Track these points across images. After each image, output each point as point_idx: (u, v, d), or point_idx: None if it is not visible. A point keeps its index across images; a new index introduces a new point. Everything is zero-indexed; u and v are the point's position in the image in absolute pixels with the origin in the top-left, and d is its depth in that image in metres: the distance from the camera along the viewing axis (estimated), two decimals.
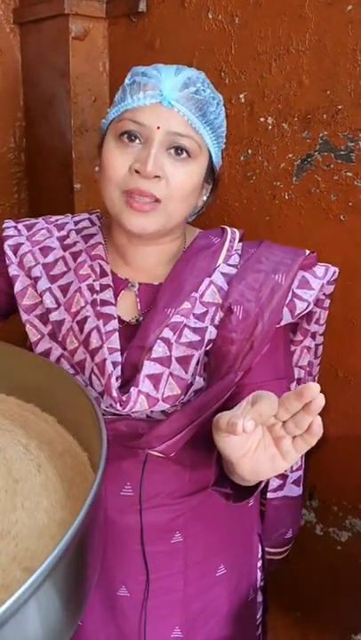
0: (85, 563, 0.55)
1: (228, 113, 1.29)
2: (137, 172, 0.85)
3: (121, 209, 0.88)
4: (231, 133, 1.29)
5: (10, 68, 1.67)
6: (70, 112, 1.55)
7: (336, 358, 1.22)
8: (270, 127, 1.24)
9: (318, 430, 0.69)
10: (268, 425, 0.73)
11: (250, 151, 1.28)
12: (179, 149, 0.87)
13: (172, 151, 0.87)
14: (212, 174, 0.96)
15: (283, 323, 0.92)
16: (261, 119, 1.25)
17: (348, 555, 1.31)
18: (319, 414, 0.69)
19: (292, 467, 1.11)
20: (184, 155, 0.88)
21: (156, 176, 0.85)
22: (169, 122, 0.86)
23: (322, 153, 1.16)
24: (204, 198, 0.97)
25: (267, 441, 0.74)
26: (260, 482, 0.84)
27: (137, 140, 0.88)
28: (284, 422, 0.72)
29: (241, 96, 1.27)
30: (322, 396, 0.68)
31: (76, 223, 1.05)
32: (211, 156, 0.93)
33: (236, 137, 1.29)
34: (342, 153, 1.13)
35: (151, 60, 1.43)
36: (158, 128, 0.86)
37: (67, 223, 1.05)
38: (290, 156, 1.22)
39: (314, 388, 0.67)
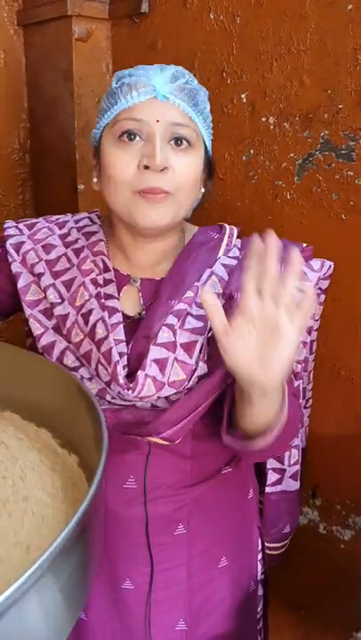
0: (87, 554, 0.56)
1: (229, 113, 1.30)
2: (146, 167, 0.87)
3: (134, 206, 0.89)
4: (233, 133, 1.30)
5: (14, 69, 1.68)
6: (74, 113, 1.56)
7: (338, 357, 1.23)
8: (272, 127, 1.24)
9: (310, 298, 0.72)
10: (261, 311, 0.74)
11: (252, 151, 1.29)
12: (179, 140, 0.89)
13: (173, 142, 0.89)
14: (208, 166, 0.98)
15: None
16: (263, 119, 1.25)
17: (352, 553, 1.31)
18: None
19: (289, 461, 1.12)
20: (185, 144, 0.90)
21: (165, 168, 0.87)
22: (166, 114, 0.88)
23: (323, 152, 1.17)
24: (203, 190, 0.99)
25: (263, 338, 0.75)
26: (272, 427, 0.84)
27: (137, 138, 0.89)
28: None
29: (243, 96, 1.28)
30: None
31: (77, 221, 1.07)
32: (206, 147, 0.96)
33: (237, 137, 1.30)
34: (343, 152, 1.13)
35: (154, 61, 1.43)
36: (158, 121, 0.88)
37: (67, 222, 1.06)
38: (291, 155, 1.22)
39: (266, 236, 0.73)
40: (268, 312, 0.74)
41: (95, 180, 0.97)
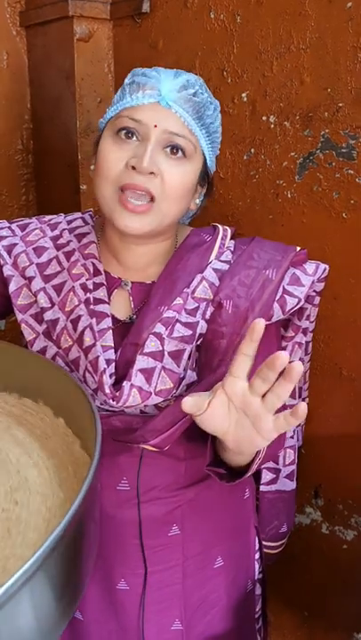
0: (80, 553, 0.56)
1: (230, 112, 1.30)
2: (133, 167, 0.87)
3: (114, 208, 0.89)
4: (234, 133, 1.30)
5: (17, 70, 1.69)
6: (76, 113, 1.56)
7: (339, 356, 1.22)
8: (272, 126, 1.24)
9: (302, 413, 0.69)
10: (246, 403, 0.73)
11: (252, 150, 1.29)
12: (174, 148, 0.89)
13: (168, 150, 0.89)
14: (205, 178, 0.97)
15: (274, 319, 0.94)
16: (263, 118, 1.25)
17: (355, 553, 1.31)
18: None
19: (284, 461, 1.12)
20: (179, 154, 0.89)
21: (152, 172, 0.87)
22: (166, 121, 0.88)
23: (323, 151, 1.16)
24: (198, 202, 0.98)
25: (244, 421, 0.75)
26: (251, 464, 0.85)
27: (134, 138, 0.89)
28: (264, 398, 0.72)
29: (243, 95, 1.28)
30: (299, 363, 0.69)
31: (69, 222, 1.06)
32: (205, 160, 0.95)
33: (238, 136, 1.30)
34: (344, 151, 1.13)
35: (155, 61, 1.44)
36: (155, 126, 0.88)
37: (59, 223, 1.06)
38: (292, 154, 1.22)
39: (283, 356, 0.68)
40: (253, 406, 0.73)
41: (92, 167, 0.97)
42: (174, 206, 0.91)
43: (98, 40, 1.55)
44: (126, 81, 0.93)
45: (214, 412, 0.75)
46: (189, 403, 0.74)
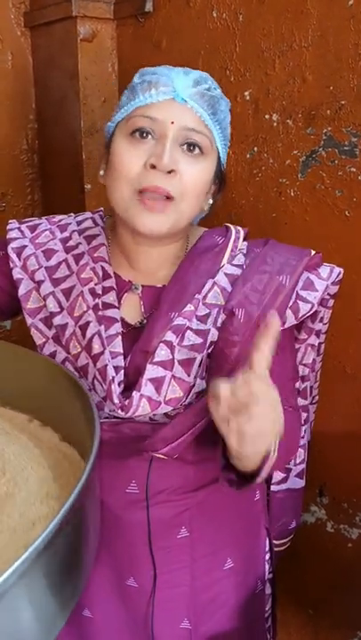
0: (78, 550, 0.56)
1: (233, 111, 1.29)
2: (152, 166, 0.85)
3: (133, 208, 0.87)
4: (237, 131, 1.30)
5: (21, 70, 1.70)
6: (80, 113, 1.57)
7: (344, 355, 1.22)
8: (275, 124, 1.24)
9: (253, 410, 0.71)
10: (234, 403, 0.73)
11: (255, 148, 1.29)
12: (192, 145, 0.87)
13: (185, 147, 0.87)
14: (219, 175, 0.95)
15: (286, 325, 0.92)
16: (266, 116, 1.25)
17: (360, 551, 1.31)
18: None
19: (295, 460, 1.11)
20: (197, 151, 0.88)
21: (172, 170, 0.85)
22: (183, 117, 0.86)
23: (326, 149, 1.16)
24: (210, 201, 0.97)
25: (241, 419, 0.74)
26: (259, 471, 0.84)
27: (149, 137, 0.87)
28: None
29: (246, 93, 1.28)
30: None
31: (79, 223, 1.04)
32: (219, 156, 0.93)
33: (241, 134, 1.30)
34: (346, 148, 1.13)
35: (159, 60, 1.44)
36: (172, 123, 0.86)
37: (69, 224, 1.04)
38: (295, 152, 1.22)
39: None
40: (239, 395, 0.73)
41: (102, 172, 0.95)
42: (192, 205, 0.89)
43: (101, 40, 1.55)
44: (135, 80, 0.91)
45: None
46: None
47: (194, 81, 0.88)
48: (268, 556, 1.13)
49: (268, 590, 1.15)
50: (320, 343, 1.06)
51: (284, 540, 1.19)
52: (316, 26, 1.13)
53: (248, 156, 1.30)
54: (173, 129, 0.86)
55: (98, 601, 1.02)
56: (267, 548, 1.13)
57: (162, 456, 0.89)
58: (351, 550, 1.33)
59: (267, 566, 1.13)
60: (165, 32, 1.43)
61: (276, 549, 1.17)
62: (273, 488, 1.11)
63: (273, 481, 1.10)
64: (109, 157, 0.92)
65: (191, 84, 0.88)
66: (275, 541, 1.16)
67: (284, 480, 1.12)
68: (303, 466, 1.15)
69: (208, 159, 0.90)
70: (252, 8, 1.23)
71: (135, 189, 0.86)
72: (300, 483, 1.15)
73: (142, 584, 1.00)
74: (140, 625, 1.02)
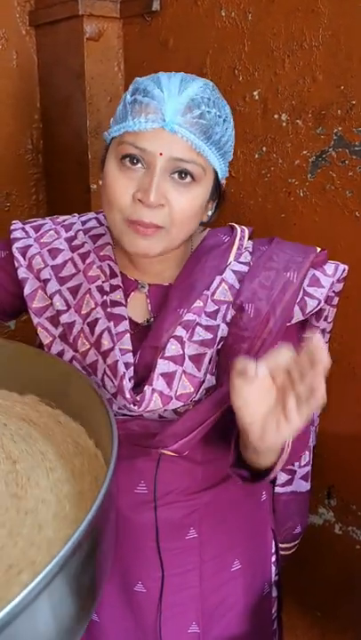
0: (98, 557, 0.55)
1: (242, 111, 1.30)
2: (140, 200, 0.83)
3: (126, 235, 0.87)
4: (245, 131, 1.29)
5: (26, 69, 1.69)
6: (86, 113, 1.56)
7: (353, 356, 1.22)
8: (284, 124, 1.23)
9: (320, 395, 0.68)
10: (278, 385, 0.73)
11: (264, 148, 1.28)
12: (182, 173, 0.84)
13: (176, 176, 0.84)
14: (217, 190, 0.93)
15: (294, 321, 0.92)
16: (275, 116, 1.24)
17: None
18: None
19: (300, 462, 1.11)
20: (188, 179, 0.85)
21: (160, 204, 0.84)
22: (172, 147, 0.83)
23: (336, 149, 1.15)
24: (210, 213, 0.95)
25: (276, 408, 0.73)
26: (273, 467, 0.84)
27: (139, 164, 0.85)
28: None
29: (255, 93, 1.27)
30: (329, 359, 0.68)
31: (84, 223, 1.04)
32: (216, 175, 0.90)
33: (250, 135, 1.29)
34: (357, 149, 1.12)
35: (165, 59, 1.44)
36: (161, 154, 0.82)
37: (74, 224, 1.04)
38: (304, 152, 1.21)
39: (323, 352, 0.68)
40: (285, 396, 0.72)
41: (101, 182, 0.92)
42: (183, 230, 0.88)
43: (108, 39, 1.54)
44: (128, 97, 0.87)
45: (261, 382, 0.73)
46: (243, 364, 0.72)
47: (186, 106, 0.83)
48: (274, 558, 1.13)
49: (274, 593, 1.14)
50: (325, 343, 1.06)
51: (290, 545, 1.19)
52: (327, 25, 1.12)
53: (257, 156, 1.30)
54: (162, 160, 0.83)
55: (104, 605, 1.02)
56: (273, 550, 1.13)
57: (171, 453, 0.89)
58: (359, 552, 1.32)
59: (273, 569, 1.13)
60: (172, 31, 1.42)
61: (281, 553, 1.16)
62: (277, 490, 1.11)
63: (277, 482, 1.10)
64: (103, 176, 0.90)
65: (182, 109, 0.83)
66: (280, 545, 1.16)
67: (289, 482, 1.12)
68: (308, 468, 1.15)
69: (201, 185, 0.87)
70: (261, 7, 1.22)
71: (126, 218, 0.85)
72: (305, 486, 1.14)
73: (150, 588, 1.00)
74: (149, 630, 1.01)
